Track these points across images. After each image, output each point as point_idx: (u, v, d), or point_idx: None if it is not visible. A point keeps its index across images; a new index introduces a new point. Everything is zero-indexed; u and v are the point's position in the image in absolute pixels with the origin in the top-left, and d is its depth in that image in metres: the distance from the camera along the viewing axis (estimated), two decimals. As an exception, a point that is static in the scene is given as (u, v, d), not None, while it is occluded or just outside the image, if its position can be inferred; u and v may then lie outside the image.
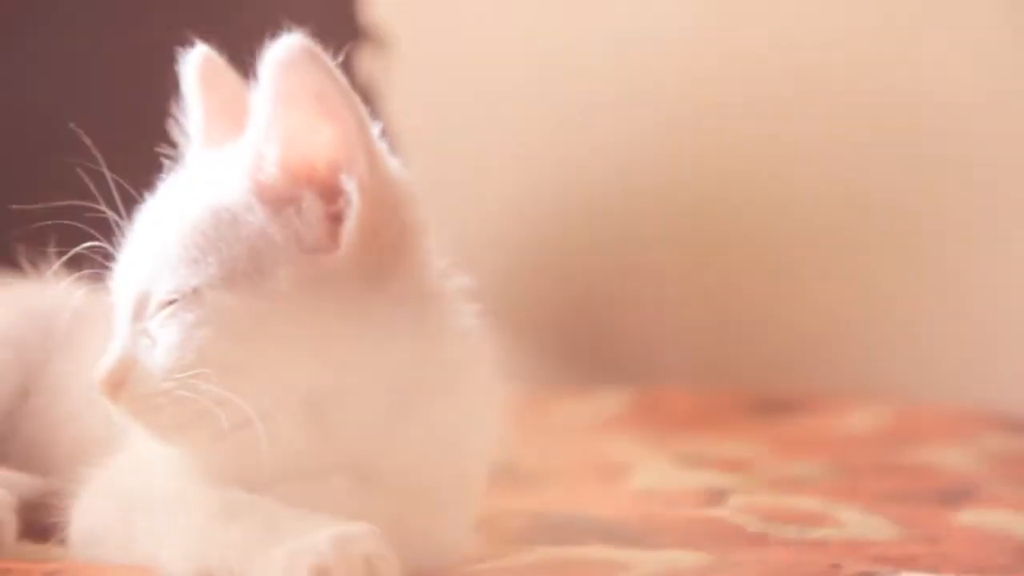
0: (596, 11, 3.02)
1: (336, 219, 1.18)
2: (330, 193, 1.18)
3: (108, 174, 1.22)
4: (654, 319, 2.92)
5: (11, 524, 1.23)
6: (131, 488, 1.21)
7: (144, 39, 2.26)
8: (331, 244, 1.17)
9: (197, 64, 1.28)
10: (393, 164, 1.19)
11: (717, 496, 1.59)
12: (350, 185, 1.16)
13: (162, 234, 1.19)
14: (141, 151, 1.27)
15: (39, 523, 1.28)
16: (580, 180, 2.99)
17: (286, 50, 1.15)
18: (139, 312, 1.19)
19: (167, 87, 1.28)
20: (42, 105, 2.52)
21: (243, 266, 1.16)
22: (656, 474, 1.82)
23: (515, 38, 3.05)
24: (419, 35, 2.85)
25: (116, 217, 1.23)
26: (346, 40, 2.07)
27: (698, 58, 2.94)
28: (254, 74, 1.18)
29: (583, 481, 1.79)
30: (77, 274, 1.31)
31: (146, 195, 1.24)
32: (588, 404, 2.43)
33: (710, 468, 1.91)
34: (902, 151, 2.81)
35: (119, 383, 1.18)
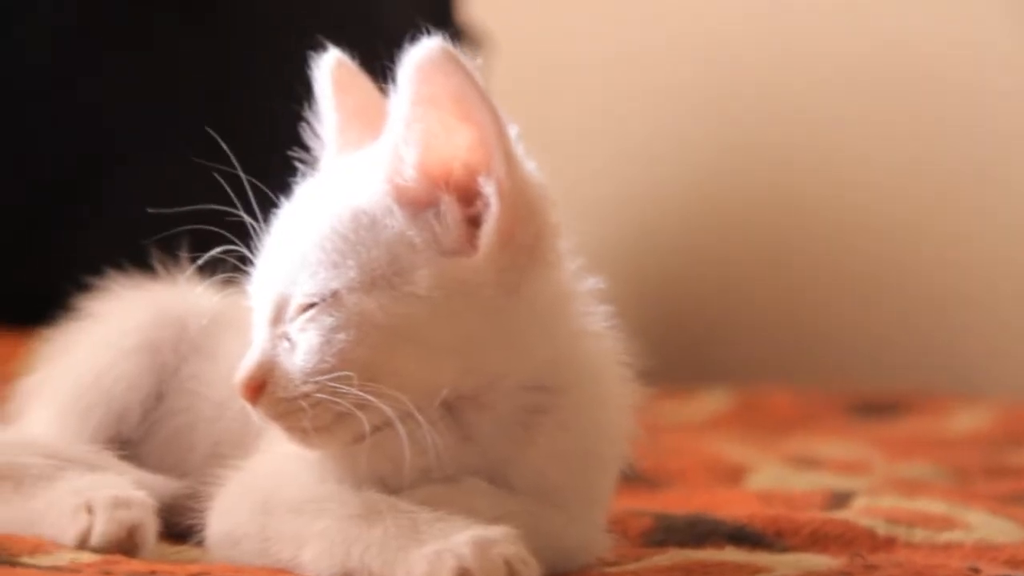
0: (690, 8, 3.02)
1: (473, 222, 1.18)
2: (467, 196, 1.18)
3: (244, 177, 1.23)
4: (754, 319, 2.92)
5: (152, 526, 1.23)
6: (269, 490, 1.21)
7: (276, 44, 2.29)
8: (469, 247, 1.17)
9: (331, 68, 1.28)
10: (529, 167, 1.19)
11: (839, 499, 1.58)
12: (488, 188, 1.16)
13: (301, 238, 1.20)
14: (275, 155, 1.28)
15: (177, 525, 1.29)
16: (678, 180, 2.99)
17: (425, 53, 1.15)
18: (278, 316, 1.20)
19: (300, 91, 1.29)
20: (178, 109, 2.56)
21: (382, 269, 1.17)
22: (771, 475, 1.82)
23: (611, 39, 3.05)
24: (515, 35, 2.86)
25: (252, 221, 1.23)
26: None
27: (785, 61, 2.93)
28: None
29: (700, 481, 1.79)
30: (211, 278, 1.32)
31: (281, 199, 1.25)
32: (690, 404, 2.43)
33: (823, 470, 1.90)
34: (979, 146, 2.80)
35: (259, 386, 1.18)
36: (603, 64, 3.04)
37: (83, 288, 1.47)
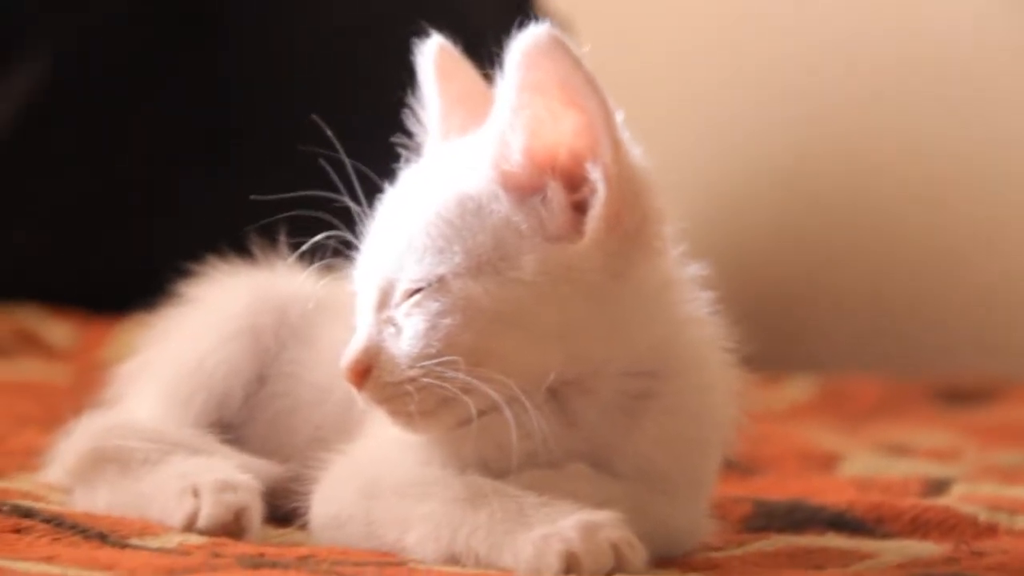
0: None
1: (579, 208, 1.18)
2: (573, 182, 1.18)
3: (349, 163, 1.24)
4: (839, 306, 2.90)
5: (258, 509, 1.24)
6: (374, 474, 1.22)
7: (376, 30, 2.31)
8: (575, 233, 1.17)
9: (433, 55, 1.28)
10: (635, 152, 1.19)
11: (937, 486, 1.57)
12: (595, 174, 1.16)
13: (407, 223, 1.20)
14: (376, 142, 1.28)
15: (279, 509, 1.30)
16: (759, 166, 2.98)
17: (532, 39, 1.15)
18: (384, 301, 1.20)
19: (403, 76, 1.29)
20: (283, 96, 2.57)
21: (488, 255, 1.17)
22: (865, 463, 1.81)
23: (697, 26, 3.04)
24: (596, 22, 2.85)
25: (357, 207, 1.24)
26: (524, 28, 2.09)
27: (876, 42, 2.91)
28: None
29: (792, 469, 1.78)
30: (312, 263, 1.33)
31: (384, 185, 1.26)
32: (776, 392, 2.42)
33: (916, 457, 1.89)
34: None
35: (365, 371, 1.19)
36: (685, 48, 3.03)
37: (183, 274, 1.49)
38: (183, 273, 1.48)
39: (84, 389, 2.03)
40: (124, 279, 2.57)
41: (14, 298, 2.60)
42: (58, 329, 2.55)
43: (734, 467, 1.63)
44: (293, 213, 1.29)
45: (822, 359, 2.78)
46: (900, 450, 1.94)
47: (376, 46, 2.12)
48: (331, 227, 1.25)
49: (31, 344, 2.50)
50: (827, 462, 1.83)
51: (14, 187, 2.70)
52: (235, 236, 1.47)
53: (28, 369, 2.35)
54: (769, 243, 2.96)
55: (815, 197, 2.95)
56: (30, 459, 1.53)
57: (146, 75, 2.71)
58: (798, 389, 2.47)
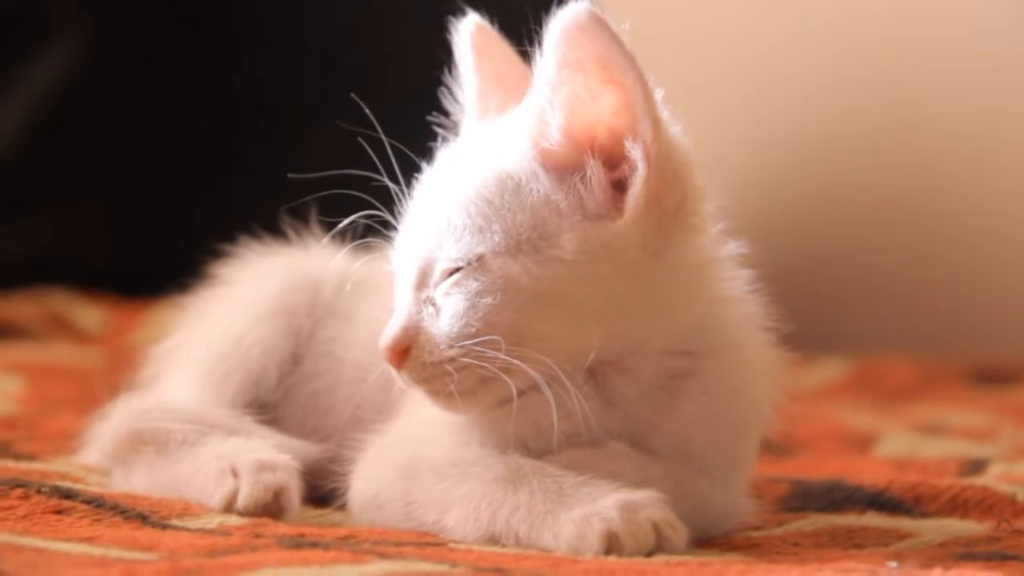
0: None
1: (618, 186, 1.17)
2: (612, 160, 1.17)
3: (387, 142, 1.23)
4: (870, 287, 2.89)
5: (296, 489, 1.24)
6: (413, 454, 1.22)
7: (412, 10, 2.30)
8: (614, 211, 1.17)
9: (470, 33, 1.28)
10: (675, 130, 1.19)
11: (974, 465, 1.56)
12: (635, 152, 1.16)
13: (446, 203, 1.19)
14: (410, 121, 1.28)
15: (317, 489, 1.30)
16: (794, 147, 2.96)
17: (572, 17, 1.14)
18: (422, 280, 1.20)
19: (439, 56, 1.29)
20: (317, 75, 2.57)
21: (527, 234, 1.17)
22: (901, 443, 1.80)
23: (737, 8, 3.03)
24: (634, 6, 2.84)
25: (394, 186, 1.24)
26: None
27: (917, 25, 2.89)
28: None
29: (828, 449, 1.78)
30: (343, 243, 1.32)
31: (421, 164, 1.25)
32: (809, 372, 2.41)
33: (951, 437, 1.89)
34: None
35: (404, 351, 1.18)
36: (721, 24, 3.01)
37: (215, 256, 1.48)
38: (215, 255, 1.48)
39: (115, 372, 2.04)
40: (153, 263, 2.58)
41: (45, 282, 2.61)
42: (89, 313, 2.56)
43: (770, 447, 1.63)
44: (327, 193, 1.29)
45: (852, 339, 2.76)
46: (935, 430, 1.93)
47: (410, 23, 2.11)
48: (365, 207, 1.24)
49: (62, 328, 2.51)
50: (862, 442, 1.82)
51: (44, 172, 2.70)
52: (266, 217, 1.46)
53: (59, 352, 2.36)
54: (801, 226, 2.95)
55: (847, 176, 2.94)
56: (66, 442, 1.53)
57: (176, 57, 2.70)
58: (830, 369, 2.46)
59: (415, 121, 1.29)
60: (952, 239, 2.87)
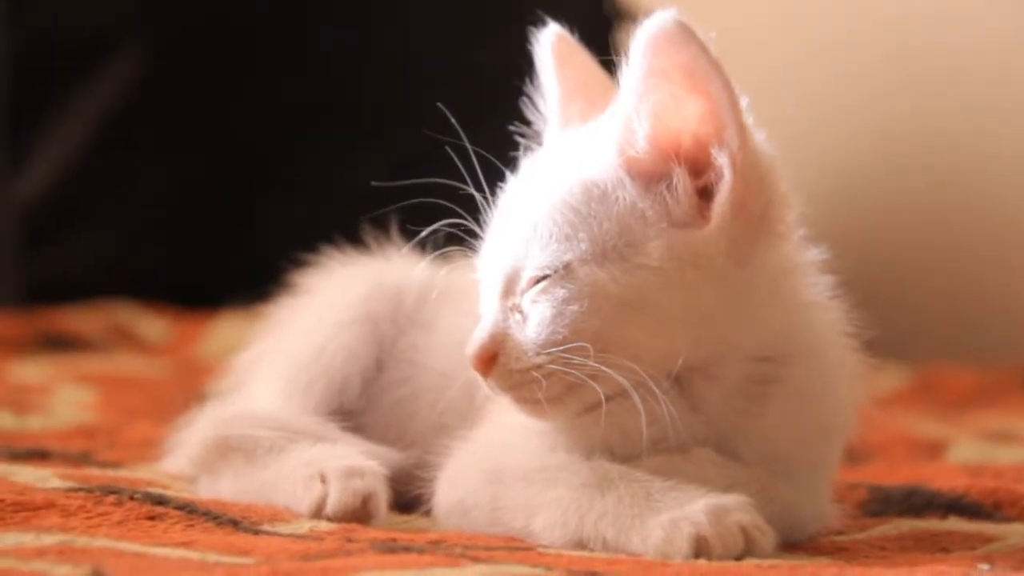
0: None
1: (704, 193, 1.18)
2: (697, 167, 1.18)
3: (472, 150, 1.24)
4: (929, 294, 2.88)
5: (384, 495, 1.25)
6: (499, 460, 1.23)
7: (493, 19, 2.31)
8: (700, 219, 1.18)
9: (551, 43, 1.29)
10: (759, 137, 1.20)
11: (1048, 471, 1.57)
12: (722, 159, 1.16)
13: (531, 211, 1.20)
14: (494, 130, 1.29)
15: (402, 495, 1.31)
16: (857, 157, 2.96)
17: (658, 25, 1.15)
18: (509, 288, 1.21)
19: (521, 64, 1.30)
20: (395, 84, 2.58)
21: (614, 241, 1.18)
22: (973, 449, 1.80)
23: (818, 11, 3.03)
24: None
25: (479, 195, 1.25)
26: (604, 20, 2.10)
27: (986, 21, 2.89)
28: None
29: (899, 455, 1.78)
30: (424, 251, 1.34)
31: (505, 173, 1.26)
32: (875, 379, 2.41)
33: (1020, 444, 1.89)
34: None
35: (491, 358, 1.19)
36: (799, 37, 3.02)
37: (291, 265, 1.50)
38: (291, 264, 1.49)
39: (183, 382, 2.07)
40: (213, 275, 2.61)
41: (109, 295, 2.63)
42: (152, 324, 2.59)
43: (843, 453, 1.64)
44: (412, 201, 1.30)
45: (911, 347, 2.76)
46: (1003, 437, 1.93)
47: (490, 34, 2.12)
48: (446, 215, 1.25)
49: (126, 339, 2.54)
50: (933, 449, 1.82)
51: (107, 186, 2.73)
52: (345, 225, 1.48)
53: (126, 363, 2.38)
54: (862, 231, 2.95)
55: (909, 183, 2.93)
56: (146, 450, 1.55)
57: (236, 71, 2.73)
58: (893, 377, 2.46)
59: (495, 130, 1.29)
60: (1013, 247, 2.86)
